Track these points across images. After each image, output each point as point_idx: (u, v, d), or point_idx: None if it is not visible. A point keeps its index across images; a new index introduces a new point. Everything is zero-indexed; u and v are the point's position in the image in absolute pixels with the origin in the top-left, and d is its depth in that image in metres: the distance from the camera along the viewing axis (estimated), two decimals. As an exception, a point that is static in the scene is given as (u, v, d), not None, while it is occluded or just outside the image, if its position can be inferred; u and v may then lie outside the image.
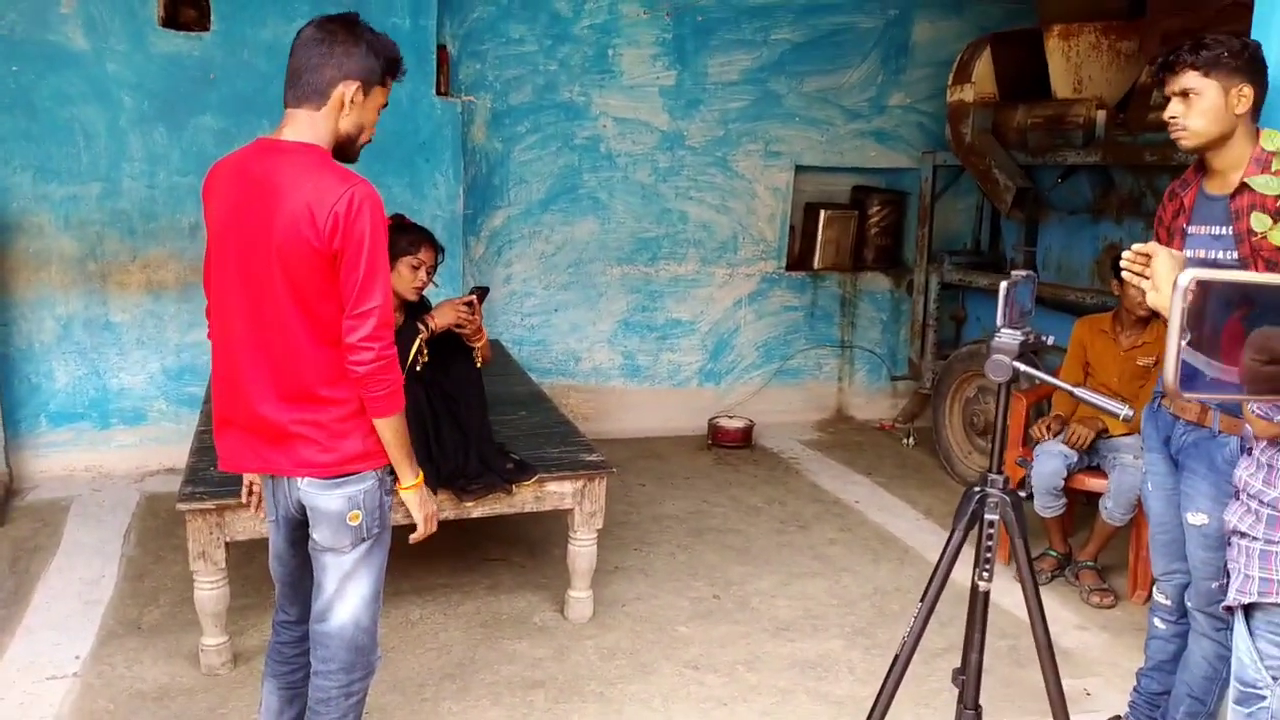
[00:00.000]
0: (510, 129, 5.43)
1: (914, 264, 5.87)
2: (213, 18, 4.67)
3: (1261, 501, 1.62)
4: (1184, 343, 0.63)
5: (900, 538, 4.39)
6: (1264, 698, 1.62)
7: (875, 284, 6.31)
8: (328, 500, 2.07)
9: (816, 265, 6.14)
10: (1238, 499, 1.69)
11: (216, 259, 2.09)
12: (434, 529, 2.31)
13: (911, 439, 5.81)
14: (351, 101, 2.02)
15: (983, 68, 5.06)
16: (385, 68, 2.06)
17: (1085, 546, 3.92)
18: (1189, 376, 0.63)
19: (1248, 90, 2.25)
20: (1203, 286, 0.63)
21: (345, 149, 2.08)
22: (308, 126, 2.01)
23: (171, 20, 4.70)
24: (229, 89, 4.71)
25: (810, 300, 6.19)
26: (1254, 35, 2.50)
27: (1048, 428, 3.83)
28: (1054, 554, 3.99)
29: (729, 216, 5.90)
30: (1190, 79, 2.28)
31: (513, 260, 5.58)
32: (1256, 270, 2.24)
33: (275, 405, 2.04)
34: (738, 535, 4.36)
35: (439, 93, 5.03)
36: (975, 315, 5.80)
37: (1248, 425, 1.65)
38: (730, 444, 5.62)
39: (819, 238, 6.10)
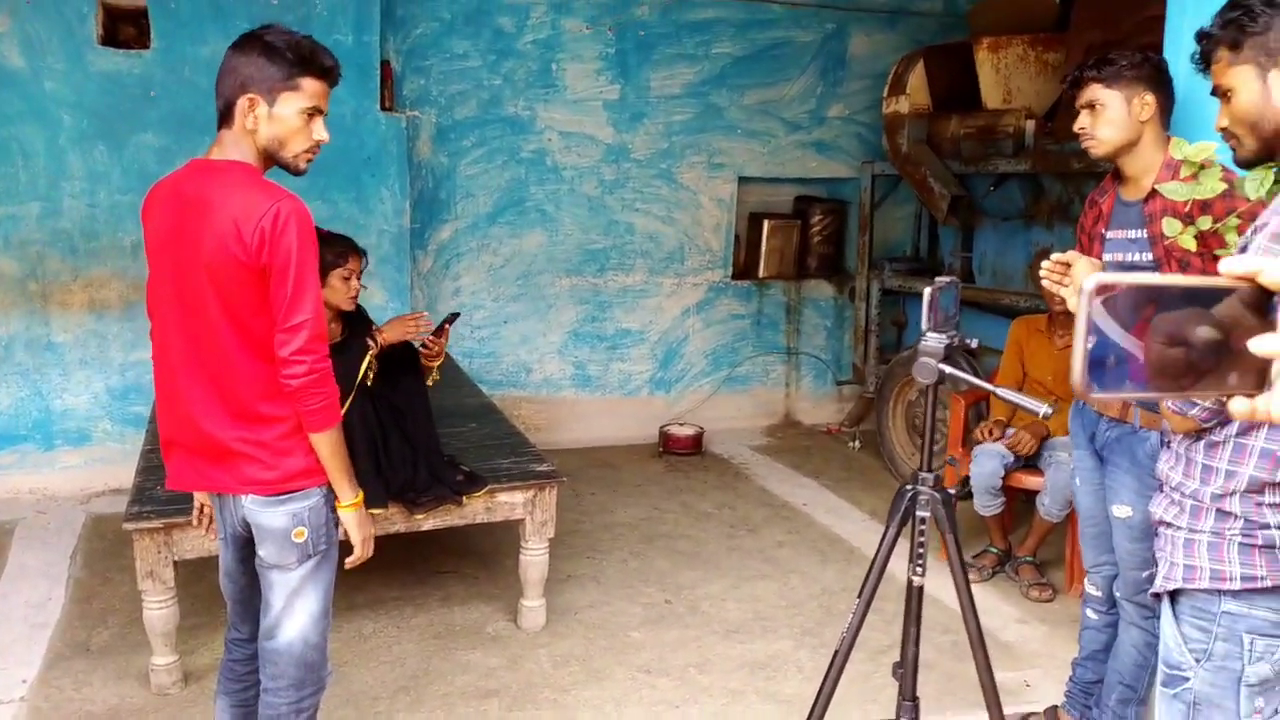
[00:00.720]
0: (456, 143, 5.46)
1: (856, 271, 6.00)
2: (153, 35, 4.65)
3: (1183, 493, 1.70)
4: (1088, 346, 0.68)
5: (846, 539, 4.48)
6: (1187, 679, 1.70)
7: (819, 291, 6.42)
8: (271, 517, 2.07)
9: (761, 274, 6.25)
10: (1161, 492, 1.78)
11: (154, 280, 2.09)
12: (370, 553, 2.25)
13: (857, 442, 5.92)
14: (253, 114, 1.96)
15: (916, 80, 5.20)
16: (292, 71, 1.96)
17: (1024, 542, 4.04)
18: (1097, 378, 0.68)
19: (1150, 98, 2.38)
20: (1105, 289, 0.68)
21: (282, 163, 2.05)
22: (232, 146, 2.00)
23: (111, 38, 4.67)
24: (170, 106, 4.69)
25: (756, 308, 6.29)
26: (1165, 46, 2.63)
27: (989, 431, 3.95)
28: (994, 550, 4.11)
29: (675, 227, 5.98)
30: (1095, 91, 2.41)
31: (461, 273, 5.61)
32: (1169, 271, 2.36)
33: (216, 424, 2.04)
34: (688, 540, 4.42)
35: (383, 108, 5.04)
36: (916, 320, 5.93)
37: (1164, 421, 1.74)
38: (681, 451, 5.69)
39: (763, 247, 6.20)
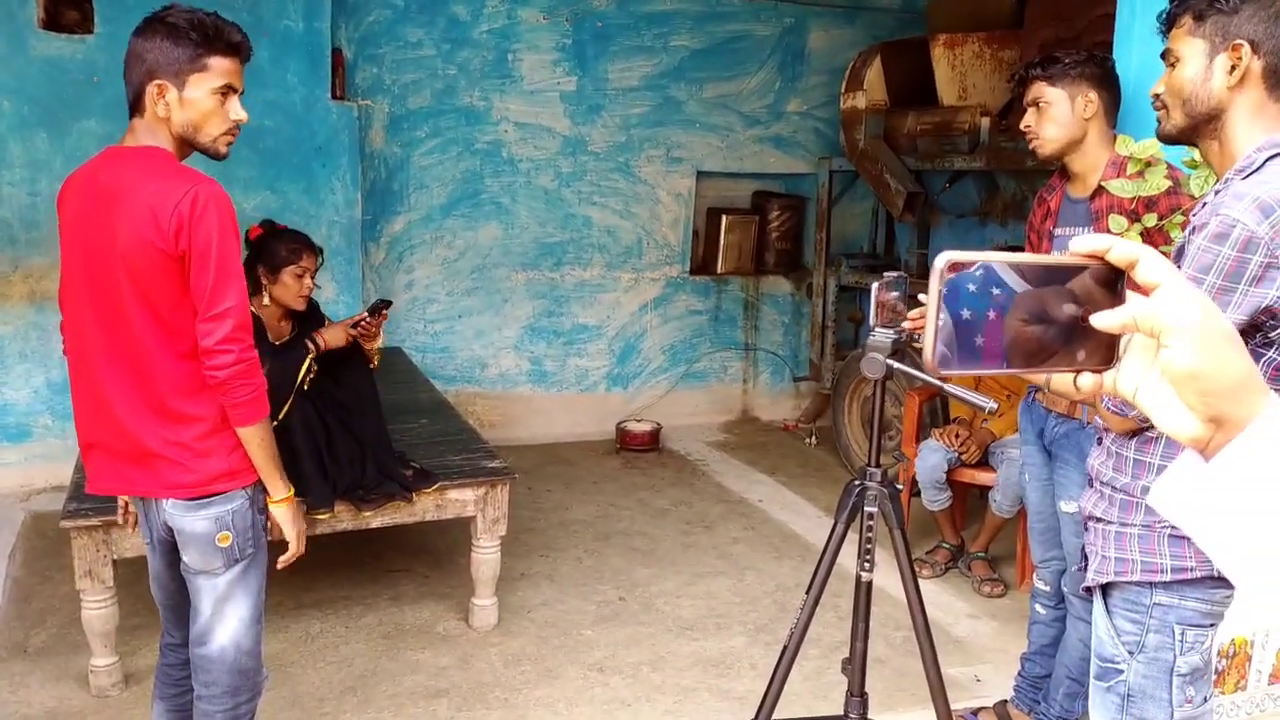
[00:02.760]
0: (409, 133, 5.39)
1: (813, 267, 6.01)
2: (96, 20, 4.53)
3: (1114, 488, 1.71)
4: (940, 322, 0.66)
5: (802, 535, 4.48)
6: (1121, 671, 1.71)
7: (777, 287, 6.42)
8: (193, 522, 2.01)
9: (719, 269, 6.24)
10: (1092, 486, 1.78)
11: (67, 274, 2.01)
12: (303, 550, 2.21)
13: (813, 438, 5.93)
14: (164, 102, 1.89)
15: (874, 76, 5.21)
16: (196, 50, 1.88)
17: (977, 538, 4.06)
18: (948, 355, 0.67)
19: (1093, 96, 2.40)
20: (958, 266, 0.67)
21: (201, 148, 1.98)
22: (145, 133, 1.94)
23: (53, 22, 4.54)
24: (114, 93, 4.49)
25: (714, 304, 6.28)
26: (1115, 44, 2.65)
27: (955, 435, 3.96)
28: (947, 546, 4.13)
29: (633, 221, 5.95)
30: (1039, 89, 2.44)
31: (414, 266, 5.53)
32: None
33: (134, 425, 1.97)
34: (644, 538, 4.40)
35: (334, 97, 4.96)
36: (873, 316, 5.95)
37: (1097, 418, 1.74)
38: (638, 448, 5.66)
39: (721, 242, 6.19)
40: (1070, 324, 0.70)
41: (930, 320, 0.67)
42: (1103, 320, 0.68)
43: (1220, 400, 0.66)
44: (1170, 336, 0.66)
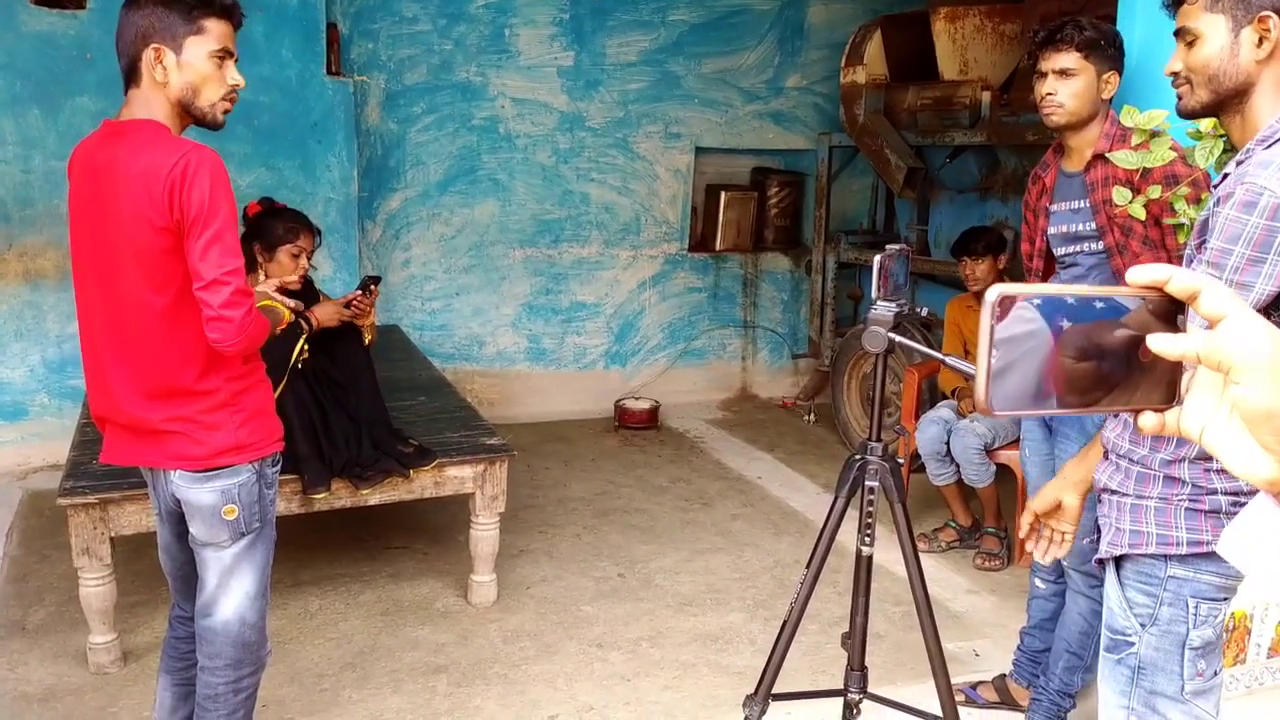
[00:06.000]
0: (406, 110, 5.35)
1: (812, 244, 5.98)
2: (88, -6, 4.48)
3: (1131, 460, 1.70)
4: (992, 359, 0.63)
5: (801, 511, 4.48)
6: (1132, 644, 1.71)
7: (775, 264, 6.40)
8: (199, 494, 2.02)
9: (718, 246, 6.20)
10: (1107, 459, 1.77)
11: (76, 255, 2.01)
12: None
13: (812, 415, 5.92)
14: (161, 66, 1.88)
15: (874, 50, 5.16)
16: (189, 13, 1.88)
17: (984, 515, 4.04)
18: (1001, 394, 0.64)
19: (1114, 78, 2.39)
20: (1009, 300, 0.64)
21: (197, 117, 1.96)
22: (140, 105, 1.91)
23: (44, -3, 4.50)
24: (108, 69, 4.49)
25: (713, 281, 6.25)
26: (1119, 18, 2.62)
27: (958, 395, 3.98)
28: (954, 525, 4.09)
29: (631, 198, 5.92)
30: (1070, 59, 2.39)
31: (411, 243, 5.50)
32: (1112, 237, 2.36)
33: (142, 400, 1.98)
34: (643, 515, 4.39)
35: (330, 72, 4.91)
36: (871, 293, 5.93)
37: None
38: (637, 425, 5.65)
39: (720, 219, 6.16)
40: (1128, 359, 0.66)
41: (982, 357, 0.64)
42: (1160, 344, 0.64)
43: None
44: (1241, 373, 0.61)
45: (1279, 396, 0.61)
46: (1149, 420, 0.69)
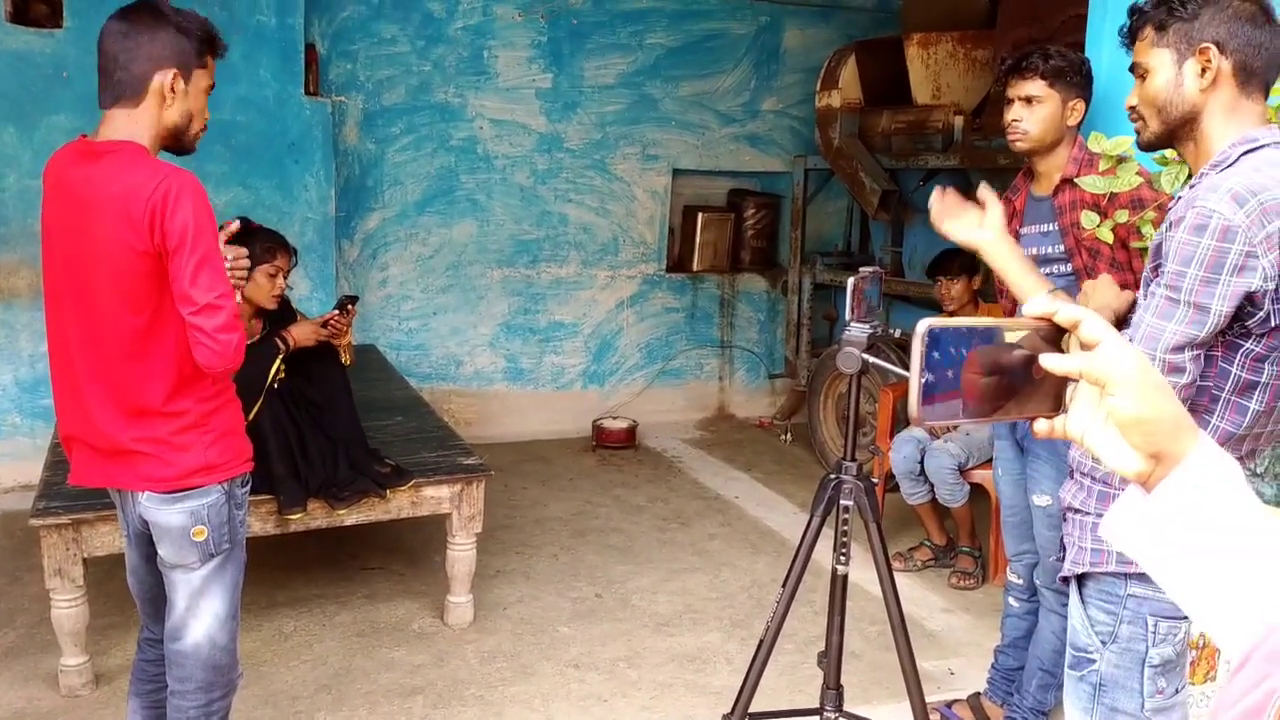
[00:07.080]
0: (384, 130, 5.36)
1: (788, 265, 6.02)
2: (65, 13, 4.47)
3: (1093, 478, 1.73)
4: (922, 380, 0.75)
5: (778, 530, 4.49)
6: (1094, 661, 1.73)
7: (752, 285, 6.44)
8: (168, 515, 2.01)
9: (695, 267, 6.24)
10: (1072, 478, 1.80)
11: (48, 273, 2.01)
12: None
13: (788, 435, 5.95)
14: (173, 90, 1.92)
15: (849, 75, 5.23)
16: (201, 47, 1.96)
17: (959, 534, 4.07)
18: (929, 406, 0.76)
19: (1080, 106, 2.44)
20: (935, 329, 0.75)
21: (178, 141, 1.99)
22: (125, 125, 1.92)
23: (21, 16, 4.48)
24: (84, 87, 4.50)
25: (690, 301, 6.29)
26: (1087, 45, 2.67)
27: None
28: (929, 545, 4.12)
29: (609, 219, 5.94)
30: (1035, 86, 2.44)
31: (389, 263, 5.50)
32: (1080, 260, 2.41)
33: (113, 420, 1.97)
34: (620, 534, 4.40)
35: (308, 92, 4.92)
36: (848, 314, 5.98)
37: None
38: (614, 445, 5.65)
39: (697, 240, 6.20)
40: (1022, 376, 0.79)
41: (914, 377, 0.75)
42: (1050, 362, 0.77)
43: (1161, 439, 0.76)
44: (1115, 387, 0.75)
45: (1144, 406, 0.75)
46: (1042, 425, 0.82)
